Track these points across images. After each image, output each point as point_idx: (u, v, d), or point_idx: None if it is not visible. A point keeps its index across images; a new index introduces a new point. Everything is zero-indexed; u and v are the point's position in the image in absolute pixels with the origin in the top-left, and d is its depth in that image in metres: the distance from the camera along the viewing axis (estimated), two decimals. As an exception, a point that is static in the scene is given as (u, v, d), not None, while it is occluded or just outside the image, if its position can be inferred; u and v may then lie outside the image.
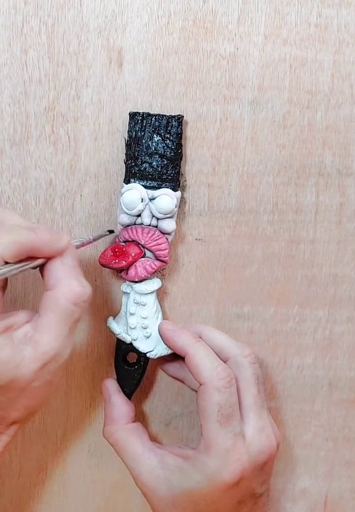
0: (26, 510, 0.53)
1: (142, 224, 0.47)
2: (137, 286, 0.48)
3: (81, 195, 0.48)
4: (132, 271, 0.47)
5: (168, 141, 0.47)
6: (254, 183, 0.49)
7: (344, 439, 0.54)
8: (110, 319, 0.49)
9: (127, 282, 0.48)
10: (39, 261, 0.40)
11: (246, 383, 0.46)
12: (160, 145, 0.47)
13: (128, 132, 0.47)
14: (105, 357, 0.51)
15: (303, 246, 0.50)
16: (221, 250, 0.50)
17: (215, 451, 0.43)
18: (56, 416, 0.52)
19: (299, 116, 0.48)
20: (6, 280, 0.41)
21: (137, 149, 0.47)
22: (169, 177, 0.47)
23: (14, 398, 0.39)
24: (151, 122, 0.47)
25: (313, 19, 0.47)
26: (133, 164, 0.47)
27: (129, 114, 0.46)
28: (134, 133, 0.47)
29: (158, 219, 0.47)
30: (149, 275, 0.47)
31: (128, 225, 0.47)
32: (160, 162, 0.47)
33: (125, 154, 0.47)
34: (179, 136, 0.47)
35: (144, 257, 0.47)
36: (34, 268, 0.40)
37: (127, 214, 0.47)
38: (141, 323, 0.48)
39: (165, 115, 0.46)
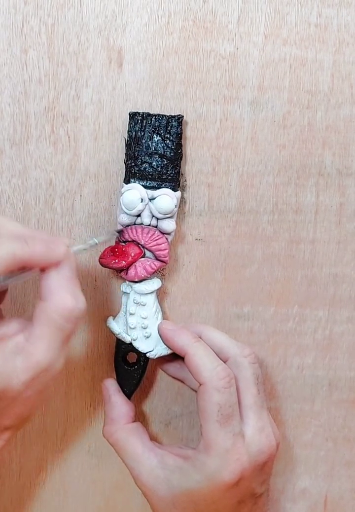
0: (26, 510, 0.53)
1: (142, 224, 0.47)
2: (137, 286, 0.48)
3: (81, 195, 0.48)
4: (132, 271, 0.47)
5: (168, 141, 0.47)
6: (254, 183, 0.49)
7: (344, 439, 0.54)
8: (110, 319, 0.49)
9: (127, 282, 0.48)
10: (33, 273, 0.39)
11: (246, 383, 0.46)
12: (160, 145, 0.47)
13: (128, 132, 0.47)
14: (105, 357, 0.51)
15: (303, 246, 0.50)
16: (221, 250, 0.50)
17: (214, 451, 0.43)
18: (56, 416, 0.52)
19: (299, 116, 0.48)
20: (2, 293, 0.41)
21: (137, 149, 0.47)
22: (169, 177, 0.47)
23: (5, 407, 0.39)
24: (151, 122, 0.47)
25: (313, 19, 0.47)
26: (133, 164, 0.47)
27: (129, 114, 0.46)
28: (134, 133, 0.47)
29: (158, 219, 0.47)
30: (149, 275, 0.47)
31: (128, 225, 0.47)
32: (160, 162, 0.47)
33: (125, 154, 0.47)
34: (179, 136, 0.47)
35: (144, 257, 0.47)
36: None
37: (127, 214, 0.47)
38: (140, 323, 0.48)
39: (165, 115, 0.46)
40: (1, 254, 0.37)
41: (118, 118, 0.47)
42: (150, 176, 0.47)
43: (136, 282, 0.48)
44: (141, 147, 0.47)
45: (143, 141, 0.47)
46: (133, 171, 0.47)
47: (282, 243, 0.50)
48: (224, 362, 0.46)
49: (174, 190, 0.47)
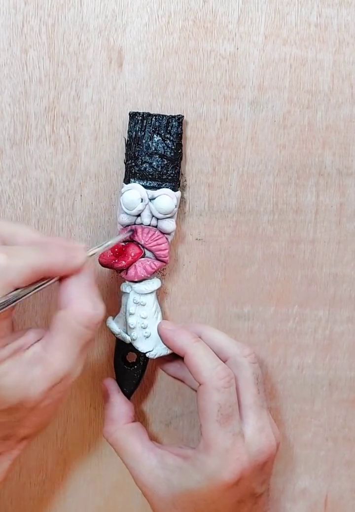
0: (26, 510, 0.53)
1: (142, 224, 0.47)
2: (136, 286, 0.48)
3: (81, 195, 0.48)
4: (131, 271, 0.47)
5: (168, 141, 0.47)
6: (254, 183, 0.49)
7: (344, 439, 0.54)
8: (110, 319, 0.49)
9: (127, 282, 0.48)
10: (53, 281, 0.38)
11: (245, 382, 0.46)
12: (160, 145, 0.47)
13: (128, 132, 0.47)
14: (105, 357, 0.51)
15: (303, 246, 0.50)
16: (221, 250, 0.50)
17: (214, 450, 0.43)
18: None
19: (299, 116, 0.48)
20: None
21: (137, 149, 0.47)
22: (169, 177, 0.47)
23: (23, 417, 0.38)
24: (151, 122, 0.47)
25: (313, 19, 0.47)
26: (133, 164, 0.47)
27: (129, 114, 0.46)
28: (134, 133, 0.47)
29: (158, 219, 0.47)
30: (149, 275, 0.47)
31: (128, 225, 0.47)
32: (160, 162, 0.47)
33: (125, 154, 0.47)
34: (179, 136, 0.47)
35: (144, 257, 0.47)
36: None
37: (127, 214, 0.47)
38: (140, 323, 0.48)
39: (165, 115, 0.46)
40: (19, 265, 0.35)
41: (118, 118, 0.47)
42: (150, 176, 0.47)
43: (136, 282, 0.48)
44: (141, 147, 0.47)
45: (143, 141, 0.47)
46: (133, 171, 0.47)
47: (282, 243, 0.50)
48: (224, 362, 0.46)
49: (174, 190, 0.47)
